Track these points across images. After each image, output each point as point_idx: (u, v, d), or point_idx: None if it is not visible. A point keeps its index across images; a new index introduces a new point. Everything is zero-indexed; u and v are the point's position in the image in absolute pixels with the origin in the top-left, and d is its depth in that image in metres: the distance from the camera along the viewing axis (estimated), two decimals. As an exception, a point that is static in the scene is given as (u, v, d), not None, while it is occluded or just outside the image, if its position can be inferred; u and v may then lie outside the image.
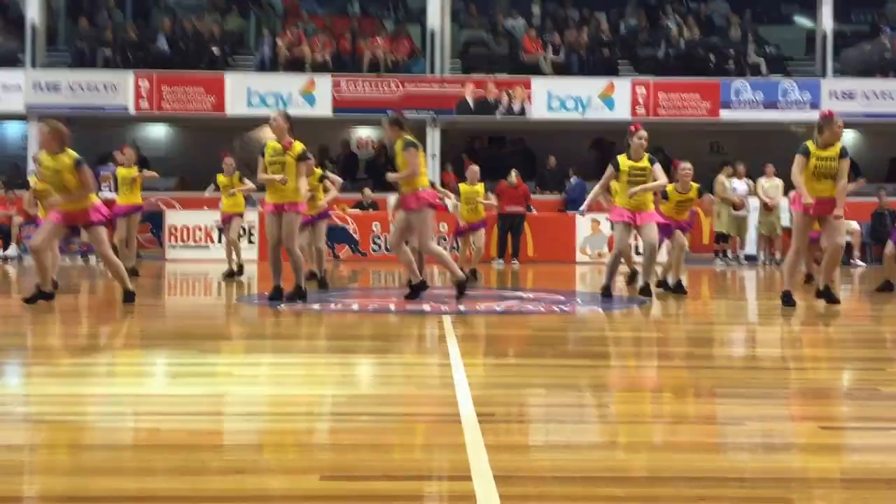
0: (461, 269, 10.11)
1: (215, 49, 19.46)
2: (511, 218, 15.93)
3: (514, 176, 15.83)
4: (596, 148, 21.22)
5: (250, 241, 16.08)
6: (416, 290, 8.52)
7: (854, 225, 16.19)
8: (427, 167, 10.91)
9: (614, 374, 5.01)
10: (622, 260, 9.49)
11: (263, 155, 8.37)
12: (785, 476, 3.03)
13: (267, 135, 21.36)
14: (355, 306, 8.59)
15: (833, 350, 6.23)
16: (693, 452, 3.36)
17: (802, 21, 22.65)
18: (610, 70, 19.47)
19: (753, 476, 3.05)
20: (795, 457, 3.33)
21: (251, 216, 16.38)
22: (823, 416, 4.07)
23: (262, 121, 19.64)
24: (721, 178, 15.94)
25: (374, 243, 16.35)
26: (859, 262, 16.23)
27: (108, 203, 14.23)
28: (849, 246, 16.38)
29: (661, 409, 4.15)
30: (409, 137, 8.38)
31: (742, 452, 3.41)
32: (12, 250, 15.63)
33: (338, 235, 16.18)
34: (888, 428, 3.87)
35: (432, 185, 10.17)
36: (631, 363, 5.29)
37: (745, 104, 18.79)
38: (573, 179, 18.03)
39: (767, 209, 16.30)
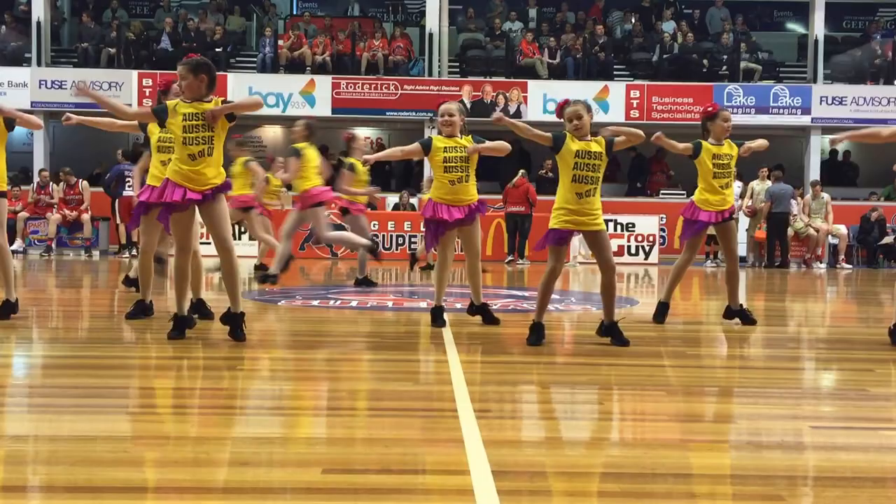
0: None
1: (217, 49, 19.49)
2: (514, 217, 15.99)
3: (518, 176, 15.93)
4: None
5: (251, 238, 16.08)
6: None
7: (841, 229, 16.32)
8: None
9: (608, 371, 5.08)
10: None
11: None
12: (775, 473, 3.10)
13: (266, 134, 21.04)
14: (354, 303, 8.66)
15: (822, 351, 6.31)
16: (685, 449, 3.43)
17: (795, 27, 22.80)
18: (605, 73, 19.54)
19: (744, 473, 3.12)
20: (786, 455, 3.39)
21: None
22: (813, 415, 4.15)
23: (262, 120, 19.77)
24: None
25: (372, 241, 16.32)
26: (846, 265, 16.35)
27: (126, 200, 14.20)
28: (835, 249, 16.52)
29: (654, 406, 4.21)
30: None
31: (733, 450, 3.48)
32: (17, 245, 15.69)
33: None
34: (876, 427, 3.95)
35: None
36: (624, 361, 5.35)
37: (738, 109, 18.90)
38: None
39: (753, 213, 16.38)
